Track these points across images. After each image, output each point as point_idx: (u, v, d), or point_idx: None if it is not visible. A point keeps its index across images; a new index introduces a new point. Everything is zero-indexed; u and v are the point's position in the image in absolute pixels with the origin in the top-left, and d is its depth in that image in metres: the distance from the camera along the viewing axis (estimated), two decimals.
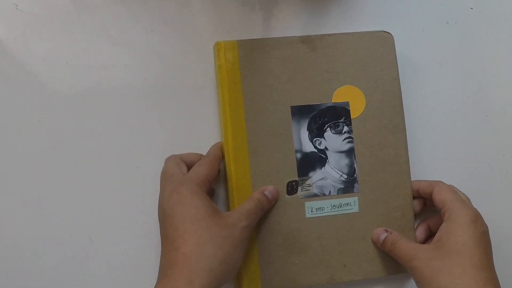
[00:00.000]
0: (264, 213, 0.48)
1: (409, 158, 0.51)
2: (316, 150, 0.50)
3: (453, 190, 0.48)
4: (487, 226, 0.46)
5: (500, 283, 0.44)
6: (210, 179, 0.46)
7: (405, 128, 0.50)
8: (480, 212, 0.47)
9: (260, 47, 0.49)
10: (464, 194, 0.49)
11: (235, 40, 0.49)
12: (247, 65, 0.49)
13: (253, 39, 0.50)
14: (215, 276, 0.41)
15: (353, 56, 0.50)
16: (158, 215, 0.45)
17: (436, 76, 0.54)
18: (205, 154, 0.50)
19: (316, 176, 0.49)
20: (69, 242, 0.50)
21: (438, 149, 0.53)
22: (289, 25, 0.54)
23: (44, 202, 0.51)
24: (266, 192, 0.48)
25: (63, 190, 0.51)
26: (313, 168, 0.49)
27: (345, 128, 0.50)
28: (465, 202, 0.48)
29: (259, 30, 0.54)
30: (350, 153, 0.50)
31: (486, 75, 0.55)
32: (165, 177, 0.46)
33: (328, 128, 0.50)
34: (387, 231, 0.49)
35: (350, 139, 0.50)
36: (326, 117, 0.50)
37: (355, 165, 0.50)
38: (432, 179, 0.51)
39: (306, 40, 0.50)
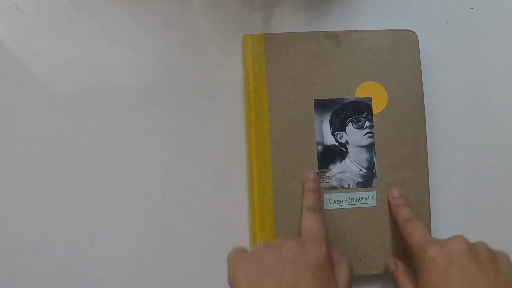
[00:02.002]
0: (283, 204, 0.48)
1: None
2: (337, 144, 0.50)
3: (418, 228, 0.46)
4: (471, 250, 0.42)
5: None
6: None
7: (425, 125, 0.51)
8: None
9: (286, 41, 0.51)
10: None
11: (262, 34, 0.51)
12: (272, 58, 0.50)
13: (280, 33, 0.51)
14: None
15: (377, 53, 0.51)
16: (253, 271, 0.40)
17: (436, 76, 0.54)
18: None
19: (336, 169, 0.50)
20: (69, 242, 0.50)
21: (437, 149, 0.53)
22: (289, 25, 0.54)
23: (44, 202, 0.51)
24: None
25: (63, 190, 0.51)
26: (333, 161, 0.50)
27: (367, 123, 0.50)
28: (431, 241, 0.44)
29: (259, 30, 0.54)
30: (370, 148, 0.50)
31: (486, 75, 0.55)
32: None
33: (350, 123, 0.50)
34: (395, 264, 0.48)
35: (371, 134, 0.50)
36: (348, 112, 0.50)
37: (374, 160, 0.50)
38: (432, 178, 0.51)
39: (331, 35, 0.51)
